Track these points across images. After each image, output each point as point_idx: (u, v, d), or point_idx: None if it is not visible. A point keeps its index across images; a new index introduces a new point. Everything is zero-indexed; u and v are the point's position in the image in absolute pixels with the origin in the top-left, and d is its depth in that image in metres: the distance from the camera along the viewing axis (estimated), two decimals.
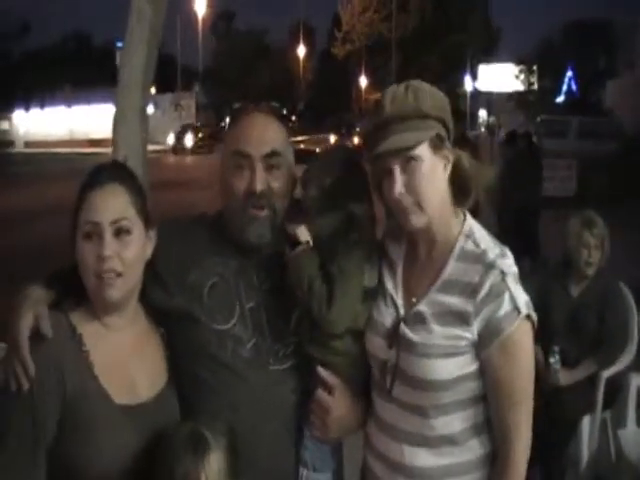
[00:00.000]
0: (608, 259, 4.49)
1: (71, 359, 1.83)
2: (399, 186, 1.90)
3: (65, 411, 1.79)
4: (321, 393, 2.08)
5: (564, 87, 44.29)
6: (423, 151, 1.90)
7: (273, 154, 2.09)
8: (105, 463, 1.80)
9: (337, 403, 2.08)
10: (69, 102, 55.38)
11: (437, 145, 1.93)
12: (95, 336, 1.90)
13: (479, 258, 1.93)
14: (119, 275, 1.87)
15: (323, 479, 2.13)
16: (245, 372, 2.06)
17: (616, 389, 4.45)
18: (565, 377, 4.25)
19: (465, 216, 2.03)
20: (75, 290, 1.92)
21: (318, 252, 2.05)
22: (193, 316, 2.06)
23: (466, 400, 1.96)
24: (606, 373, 4.33)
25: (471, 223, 2.02)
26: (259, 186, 2.06)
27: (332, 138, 31.17)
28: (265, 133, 2.11)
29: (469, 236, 1.99)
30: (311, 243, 2.07)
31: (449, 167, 1.96)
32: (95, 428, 1.81)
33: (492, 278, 1.89)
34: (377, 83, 59.94)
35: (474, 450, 1.98)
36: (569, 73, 43.66)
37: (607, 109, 30.89)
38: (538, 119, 22.74)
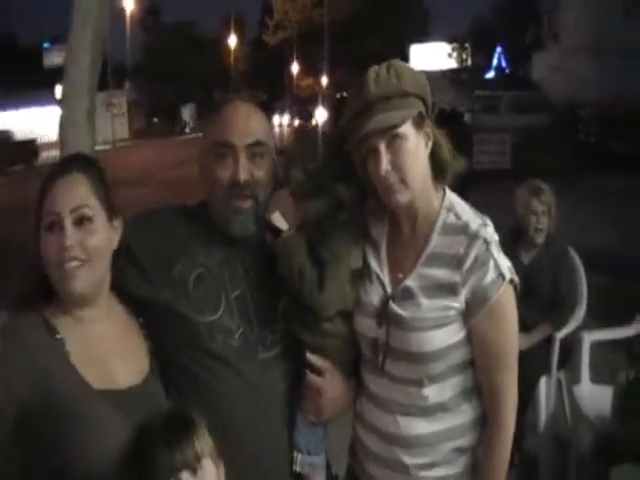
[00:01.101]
0: (556, 226, 4.63)
1: (43, 348, 1.80)
2: (385, 164, 1.93)
3: (43, 402, 1.77)
4: (312, 376, 2.09)
5: (494, 63, 44.82)
6: (407, 129, 1.94)
7: (257, 144, 2.07)
8: (87, 451, 1.78)
9: (329, 385, 2.09)
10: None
11: (419, 123, 1.97)
12: (69, 328, 1.86)
13: (462, 230, 1.98)
14: (82, 264, 1.83)
15: (318, 461, 2.15)
16: (236, 362, 2.05)
17: (569, 350, 4.60)
18: (522, 341, 4.34)
19: (445, 191, 2.07)
20: (47, 289, 1.89)
21: (305, 236, 2.06)
22: (180, 310, 2.03)
23: (455, 367, 2.01)
24: (560, 334, 4.49)
25: (451, 197, 2.07)
26: (243, 176, 2.04)
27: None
28: (248, 122, 2.09)
29: (450, 209, 2.03)
30: (286, 228, 2.07)
31: (430, 144, 2.00)
32: (77, 416, 1.79)
33: (476, 248, 1.94)
34: (309, 69, 59.82)
35: (465, 414, 2.05)
36: (498, 49, 44.17)
37: (535, 82, 31.30)
38: (474, 95, 23.02)
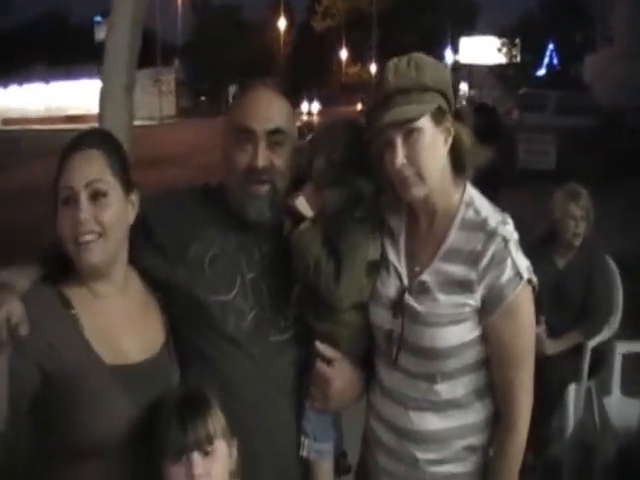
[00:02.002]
0: (593, 231, 4.54)
1: (58, 322, 1.83)
2: (400, 157, 1.92)
3: (53, 372, 1.79)
4: (321, 365, 2.09)
5: (546, 60, 44.29)
6: (425, 123, 1.92)
7: (277, 131, 2.08)
8: (97, 424, 1.80)
9: (337, 374, 2.10)
10: (47, 79, 54.77)
11: (438, 117, 1.94)
12: (84, 302, 1.89)
13: (481, 226, 1.96)
14: (97, 237, 1.86)
15: (325, 448, 2.15)
16: (247, 344, 2.06)
17: (600, 358, 4.53)
18: (551, 346, 4.32)
19: (465, 186, 2.05)
20: (65, 263, 1.91)
21: (322, 226, 2.06)
22: (194, 288, 2.05)
23: (469, 365, 2.00)
24: (591, 343, 4.42)
25: (471, 192, 2.05)
26: (261, 162, 2.05)
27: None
28: (270, 109, 2.10)
29: (470, 205, 2.01)
30: (310, 214, 2.07)
31: (450, 140, 1.98)
32: (86, 388, 1.81)
33: (494, 245, 1.92)
34: (356, 57, 59.81)
35: (478, 412, 2.03)
36: (551, 46, 43.64)
37: (585, 84, 30.92)
38: (520, 92, 22.79)
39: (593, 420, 4.56)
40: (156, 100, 46.19)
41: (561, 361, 4.33)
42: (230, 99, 59.67)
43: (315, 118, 40.89)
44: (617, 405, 4.34)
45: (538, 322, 4.15)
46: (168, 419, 1.80)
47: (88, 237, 1.85)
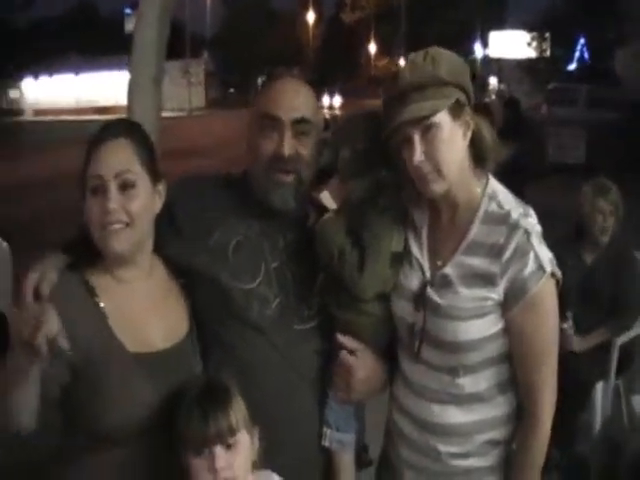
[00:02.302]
0: (621, 226, 4.50)
1: (83, 312, 1.84)
2: (419, 154, 1.91)
3: (78, 364, 1.80)
4: (344, 354, 2.09)
5: (576, 55, 43.81)
6: (442, 118, 1.91)
7: (303, 121, 2.08)
8: (120, 412, 1.82)
9: (360, 364, 2.09)
10: (77, 70, 55.24)
11: (457, 112, 1.93)
12: (109, 289, 1.91)
13: (503, 219, 1.95)
14: (125, 226, 1.88)
15: (346, 439, 2.15)
16: (271, 332, 2.07)
17: (629, 355, 4.51)
18: (578, 343, 4.28)
19: (488, 178, 2.04)
20: (90, 250, 1.93)
21: (346, 216, 2.06)
22: (217, 276, 2.06)
23: (491, 359, 1.99)
24: (620, 340, 4.39)
25: (494, 185, 2.03)
26: (287, 150, 2.05)
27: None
28: (296, 99, 2.10)
29: (493, 198, 2.00)
30: (334, 207, 2.07)
31: (469, 134, 1.97)
32: (110, 376, 1.83)
33: (517, 238, 1.90)
34: (385, 51, 59.56)
35: (500, 407, 2.02)
36: (582, 40, 43.17)
37: (617, 78, 30.58)
38: (549, 87, 22.57)
39: (621, 418, 4.54)
40: (185, 91, 46.42)
41: (589, 358, 4.29)
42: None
43: (338, 112, 40.67)
44: None
45: (565, 318, 4.17)
46: (189, 411, 1.79)
47: (116, 226, 1.87)
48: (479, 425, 2.02)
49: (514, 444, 2.05)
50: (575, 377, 4.22)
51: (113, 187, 1.86)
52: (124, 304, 1.92)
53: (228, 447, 1.79)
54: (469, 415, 2.01)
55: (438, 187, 1.95)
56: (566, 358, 4.25)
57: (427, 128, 1.90)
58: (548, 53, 42.35)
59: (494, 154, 2.01)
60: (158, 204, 1.99)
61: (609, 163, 10.39)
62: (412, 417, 2.10)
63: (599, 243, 4.46)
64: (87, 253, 1.93)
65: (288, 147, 2.05)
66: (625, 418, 4.52)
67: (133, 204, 1.88)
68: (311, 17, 59.19)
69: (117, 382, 1.83)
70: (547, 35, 42.28)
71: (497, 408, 2.02)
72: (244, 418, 1.83)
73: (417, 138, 1.91)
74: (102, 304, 1.88)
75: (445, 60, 1.94)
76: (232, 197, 2.17)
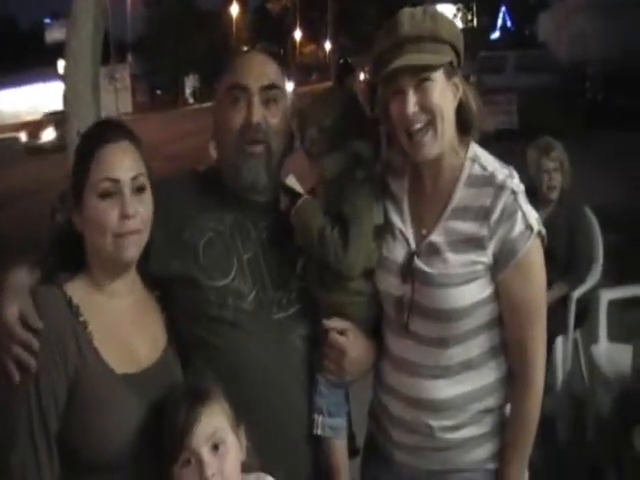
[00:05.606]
0: (571, 184, 4.61)
1: (70, 334, 1.73)
2: (412, 104, 1.87)
3: (69, 390, 1.72)
4: (335, 335, 2.05)
5: (499, 22, 44.33)
6: (438, 75, 1.87)
7: (272, 86, 2.05)
8: (111, 436, 1.73)
9: (351, 344, 2.06)
10: None
11: (450, 72, 1.90)
12: (92, 306, 1.80)
13: (488, 181, 1.92)
14: (137, 233, 1.81)
15: (339, 423, 2.10)
16: (250, 326, 2.02)
17: (585, 309, 4.60)
18: None
19: (469, 143, 2.00)
20: (69, 261, 1.84)
21: (321, 196, 2.04)
22: (191, 278, 2.01)
23: (483, 325, 1.96)
24: (577, 293, 4.49)
25: (475, 149, 2.00)
26: (256, 118, 2.01)
27: None
28: (264, 67, 2.09)
29: (475, 160, 1.97)
30: (301, 191, 2.04)
31: (458, 96, 1.94)
32: (99, 401, 1.74)
33: (504, 199, 1.88)
34: (313, 36, 59.37)
35: (491, 373, 2.00)
36: (503, 8, 43.68)
37: (541, 42, 30.99)
38: (479, 56, 22.81)
39: (581, 372, 4.62)
40: (112, 97, 45.46)
41: (547, 313, 4.36)
42: (187, 90, 59.17)
43: None
44: (606, 352, 4.36)
45: None
46: (173, 421, 1.73)
47: (133, 232, 1.80)
48: (472, 395, 1.99)
49: (507, 407, 2.04)
50: None
51: (128, 191, 1.79)
52: (109, 321, 1.83)
53: (216, 452, 1.73)
54: (460, 387, 1.98)
55: (432, 149, 1.91)
56: None
57: (422, 80, 1.87)
58: (475, 24, 42.77)
59: (479, 122, 1.99)
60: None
61: (543, 126, 10.59)
62: (401, 395, 2.05)
63: (549, 200, 4.55)
64: (66, 265, 1.84)
65: (257, 114, 2.02)
66: (585, 371, 4.60)
67: (146, 209, 1.83)
68: (234, 11, 58.68)
69: (104, 404, 1.74)
70: (472, 5, 42.68)
71: (489, 375, 2.00)
72: (229, 420, 1.78)
73: (411, 90, 1.87)
74: (86, 323, 1.77)
75: (444, 20, 1.92)
76: (200, 194, 2.13)
